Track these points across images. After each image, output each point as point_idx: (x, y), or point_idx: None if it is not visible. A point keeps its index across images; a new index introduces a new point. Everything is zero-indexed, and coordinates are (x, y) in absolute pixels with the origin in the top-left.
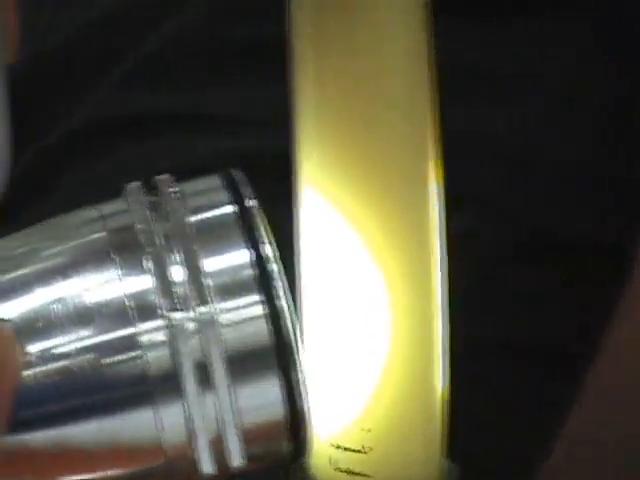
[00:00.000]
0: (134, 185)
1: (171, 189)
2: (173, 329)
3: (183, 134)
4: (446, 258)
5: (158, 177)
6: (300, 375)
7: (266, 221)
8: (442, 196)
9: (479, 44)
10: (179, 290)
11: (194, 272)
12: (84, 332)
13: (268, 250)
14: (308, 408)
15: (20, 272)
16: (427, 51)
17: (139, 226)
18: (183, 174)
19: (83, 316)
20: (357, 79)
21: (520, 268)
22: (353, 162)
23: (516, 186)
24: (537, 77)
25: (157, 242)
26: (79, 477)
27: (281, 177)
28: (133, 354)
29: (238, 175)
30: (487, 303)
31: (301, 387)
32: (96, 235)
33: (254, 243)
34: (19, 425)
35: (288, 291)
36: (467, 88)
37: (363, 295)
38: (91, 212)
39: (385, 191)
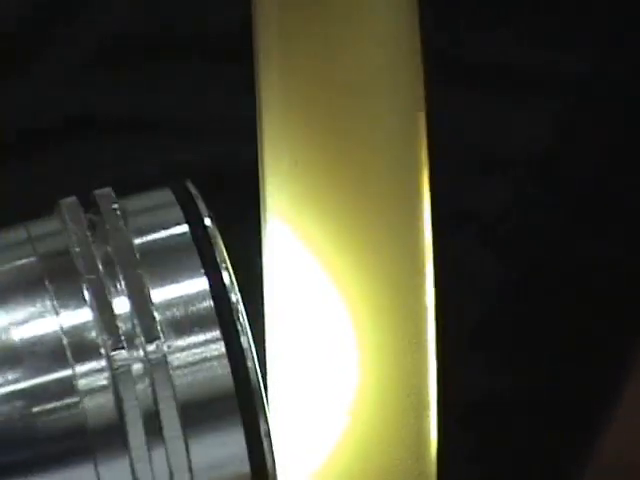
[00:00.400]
0: (69, 200)
1: (113, 205)
2: (116, 371)
3: (125, 142)
4: (432, 298)
5: (97, 191)
6: (266, 426)
7: (223, 245)
8: (429, 227)
9: (484, 48)
10: (123, 325)
11: (141, 303)
12: (10, 375)
13: (228, 277)
14: (275, 465)
15: None
16: (415, 44)
17: (76, 249)
18: (127, 188)
19: (9, 356)
20: (331, 76)
21: (529, 301)
22: (327, 188)
23: (524, 202)
24: (548, 82)
25: (97, 268)
26: None
27: (245, 193)
28: (69, 401)
29: (192, 189)
30: (495, 347)
31: (267, 440)
32: (24, 260)
33: (212, 269)
34: None
35: (248, 327)
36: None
37: (334, 338)
38: (17, 233)
39: (365, 228)
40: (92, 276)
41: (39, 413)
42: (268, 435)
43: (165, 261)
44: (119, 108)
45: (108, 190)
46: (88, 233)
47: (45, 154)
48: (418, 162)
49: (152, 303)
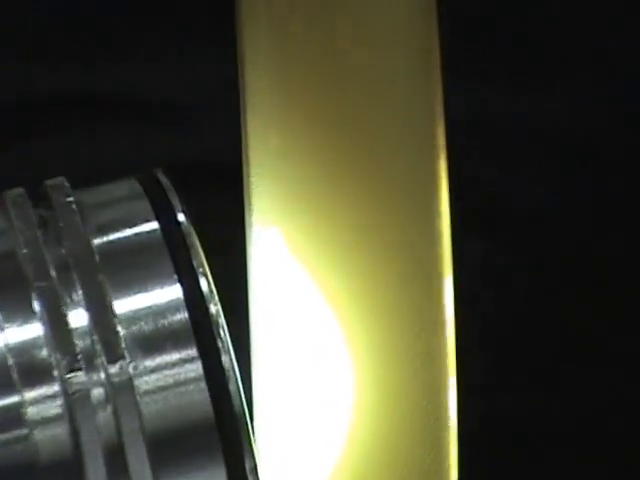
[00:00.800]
0: (14, 193)
1: (68, 198)
2: (72, 397)
3: (86, 124)
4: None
5: (49, 181)
6: (252, 461)
7: (200, 246)
8: (448, 235)
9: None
10: (81, 342)
11: (102, 316)
12: None
13: (206, 284)
14: None
15: None
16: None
17: (23, 251)
18: (86, 178)
19: None
20: (327, 47)
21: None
22: (318, 186)
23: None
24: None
25: (49, 274)
26: None
27: (224, 186)
28: (17, 433)
29: (163, 179)
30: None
31: (253, 478)
32: None
33: (187, 275)
34: None
35: (230, 344)
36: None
37: (328, 357)
38: None
39: (367, 236)
40: (43, 283)
41: None
42: (254, 472)
43: (131, 265)
44: (117, 94)
45: (61, 179)
46: (38, 232)
47: (45, 137)
48: (433, 166)
49: (115, 315)
